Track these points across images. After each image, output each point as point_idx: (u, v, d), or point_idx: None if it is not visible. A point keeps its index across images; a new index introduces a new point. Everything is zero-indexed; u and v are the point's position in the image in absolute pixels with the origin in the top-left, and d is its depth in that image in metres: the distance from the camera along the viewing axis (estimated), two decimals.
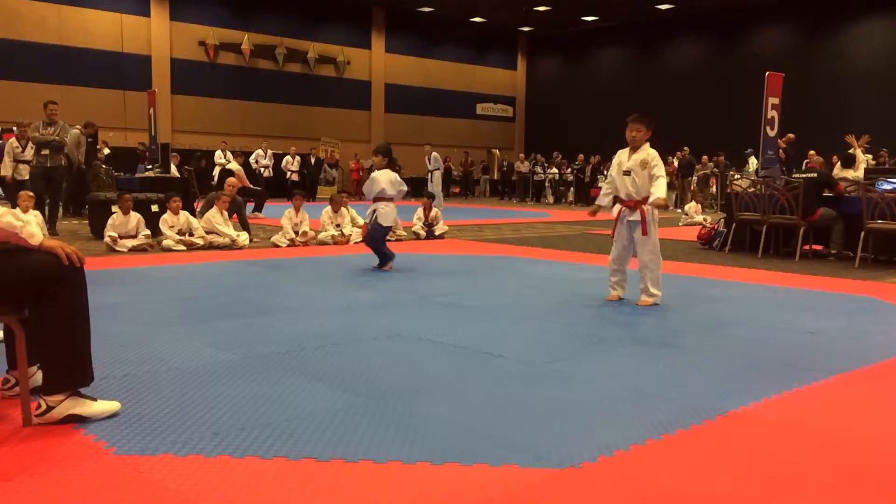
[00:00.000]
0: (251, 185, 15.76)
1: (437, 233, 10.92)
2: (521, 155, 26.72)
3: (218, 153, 19.37)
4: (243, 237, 9.44)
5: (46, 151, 10.28)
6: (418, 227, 10.89)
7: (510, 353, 4.00)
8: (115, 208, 9.29)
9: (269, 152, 20.83)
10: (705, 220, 13.20)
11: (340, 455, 2.51)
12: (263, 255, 8.67)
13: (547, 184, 24.56)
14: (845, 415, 3.10)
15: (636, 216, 5.51)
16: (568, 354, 4.03)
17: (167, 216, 9.23)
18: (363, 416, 2.93)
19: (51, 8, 20.84)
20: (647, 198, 5.46)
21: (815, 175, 9.00)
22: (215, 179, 17.83)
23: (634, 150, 5.54)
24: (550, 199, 24.21)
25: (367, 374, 3.55)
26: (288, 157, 21.17)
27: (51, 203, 10.56)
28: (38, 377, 2.93)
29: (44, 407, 2.76)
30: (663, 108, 25.54)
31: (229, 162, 18.20)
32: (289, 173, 20.98)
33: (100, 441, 2.62)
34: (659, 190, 5.37)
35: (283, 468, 2.41)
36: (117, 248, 8.71)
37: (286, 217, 9.83)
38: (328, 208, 10.32)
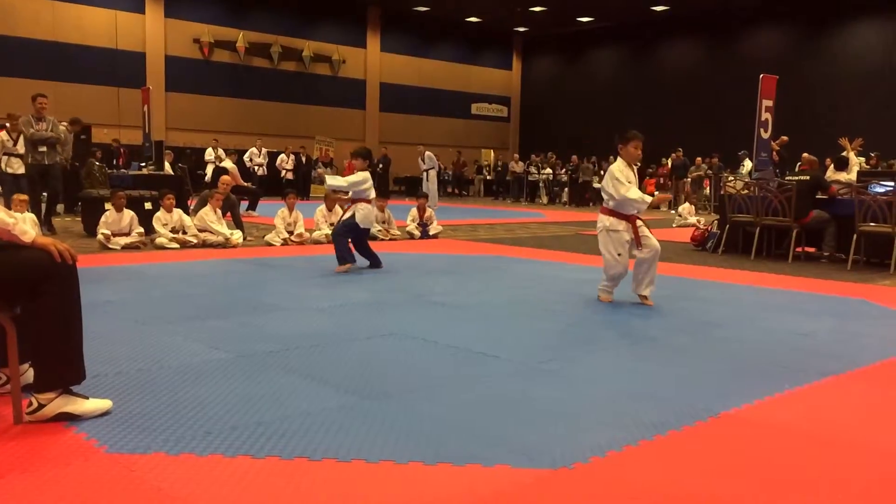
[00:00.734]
0: (245, 184, 15.73)
1: (431, 232, 10.92)
2: (516, 155, 26.73)
3: (209, 151, 19.34)
4: (237, 235, 9.42)
5: (44, 148, 10.05)
6: (412, 226, 10.89)
7: (504, 353, 4.00)
8: (108, 206, 9.26)
9: (264, 150, 20.79)
10: (699, 221, 13.23)
11: (333, 454, 2.51)
12: (257, 253, 8.66)
13: (541, 184, 24.58)
14: (837, 416, 3.11)
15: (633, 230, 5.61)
16: (561, 355, 4.03)
17: (161, 214, 9.20)
18: (356, 415, 2.92)
19: (45, 4, 20.76)
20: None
21: (808, 177, 9.03)
22: (208, 177, 17.81)
23: (634, 165, 5.66)
24: (544, 199, 24.23)
25: (361, 373, 3.54)
26: (283, 156, 21.13)
27: (48, 201, 10.38)
28: (29, 375, 2.91)
29: (35, 405, 2.75)
30: (658, 109, 25.65)
31: (221, 160, 18.17)
32: (283, 172, 20.93)
33: (91, 439, 2.61)
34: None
35: (275, 467, 2.40)
36: (110, 246, 8.68)
37: (279, 217, 9.81)
38: (322, 207, 10.31)
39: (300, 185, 20.39)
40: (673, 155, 20.93)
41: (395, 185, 25.94)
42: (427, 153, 19.04)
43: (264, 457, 2.48)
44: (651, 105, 25.94)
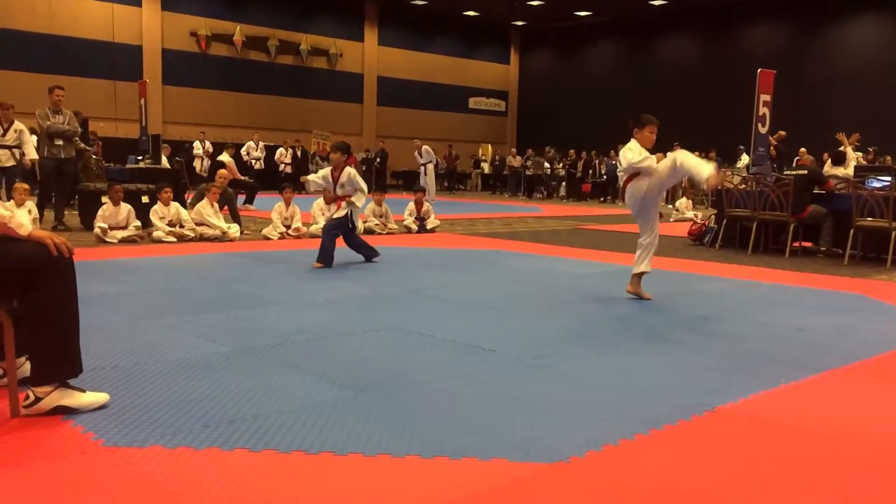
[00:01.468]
0: (242, 177, 15.70)
1: (428, 227, 10.92)
2: (513, 149, 26.69)
3: (196, 144, 19.30)
4: (234, 229, 9.41)
5: (60, 142, 9.74)
6: (410, 220, 10.88)
7: (501, 347, 4.01)
8: (105, 199, 9.24)
9: (261, 144, 20.76)
10: (696, 216, 13.25)
11: (330, 448, 2.52)
12: (254, 247, 8.65)
13: (540, 178, 24.52)
14: (833, 411, 3.12)
15: None
16: (558, 349, 4.04)
17: (158, 207, 9.18)
18: (353, 409, 2.93)
19: None
20: None
21: (806, 172, 9.04)
22: (199, 170, 17.78)
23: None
24: (542, 193, 24.20)
25: (358, 367, 3.54)
26: (281, 150, 21.10)
27: (58, 196, 10.04)
28: (26, 368, 2.91)
29: (32, 398, 2.75)
30: (655, 103, 25.53)
31: (208, 153, 18.16)
32: (282, 165, 20.91)
33: (88, 432, 2.61)
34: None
35: (272, 461, 2.41)
36: (107, 239, 8.67)
37: (276, 211, 9.80)
38: (319, 200, 10.29)
39: (298, 179, 20.34)
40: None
41: (392, 178, 25.93)
42: (424, 147, 19.02)
43: (261, 450, 2.49)
44: (648, 99, 25.83)
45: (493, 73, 31.69)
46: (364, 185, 7.35)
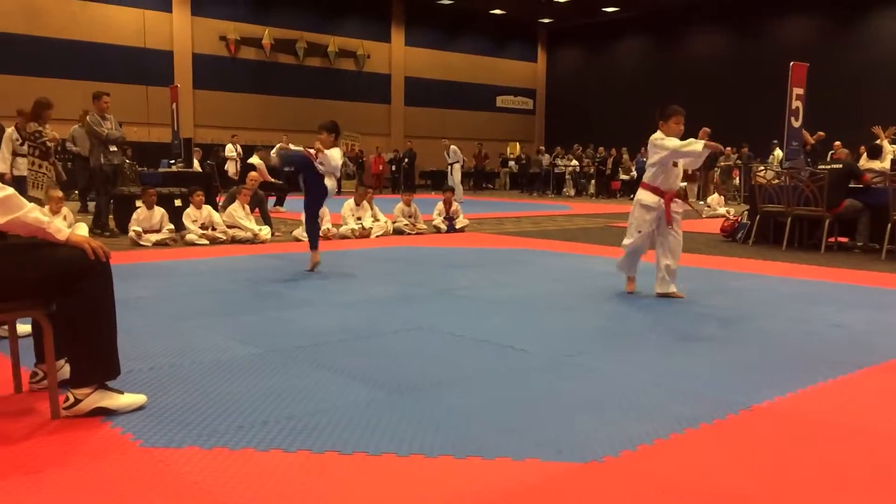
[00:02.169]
0: (273, 180, 15.81)
1: (457, 226, 10.92)
2: (542, 147, 26.60)
3: (228, 147, 19.50)
4: (265, 231, 9.50)
5: (114, 148, 9.81)
6: (439, 220, 10.90)
7: (532, 346, 3.99)
8: (139, 203, 9.38)
9: (291, 146, 20.89)
10: (728, 212, 13.09)
11: (363, 448, 2.53)
12: (285, 248, 8.72)
13: (567, 176, 24.44)
14: (872, 409, 3.06)
15: (679, 207, 5.53)
16: (590, 348, 4.01)
17: (190, 210, 9.30)
18: (385, 409, 2.94)
19: (74, 4, 21.05)
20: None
21: (841, 166, 8.88)
22: (231, 173, 17.96)
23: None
24: (571, 191, 24.10)
25: (389, 367, 3.56)
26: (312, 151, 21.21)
27: (104, 201, 10.03)
28: (65, 370, 2.97)
29: (71, 400, 2.80)
30: (685, 99, 25.19)
31: (239, 155, 18.34)
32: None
33: (126, 433, 2.65)
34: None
35: (306, 461, 2.42)
36: (141, 243, 8.80)
37: None
38: (350, 202, 10.36)
39: None
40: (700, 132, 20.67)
41: (420, 179, 25.97)
42: (452, 147, 19.02)
43: (296, 451, 2.51)
44: (678, 95, 25.46)
45: (521, 71, 31.59)
46: (337, 171, 7.01)
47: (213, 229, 9.32)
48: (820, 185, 8.63)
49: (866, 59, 22.39)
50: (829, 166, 9.04)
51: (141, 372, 3.41)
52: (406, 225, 10.55)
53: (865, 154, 11.13)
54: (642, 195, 5.54)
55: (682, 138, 5.41)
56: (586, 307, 5.23)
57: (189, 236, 9.05)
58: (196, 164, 14.63)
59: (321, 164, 6.84)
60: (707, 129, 5.56)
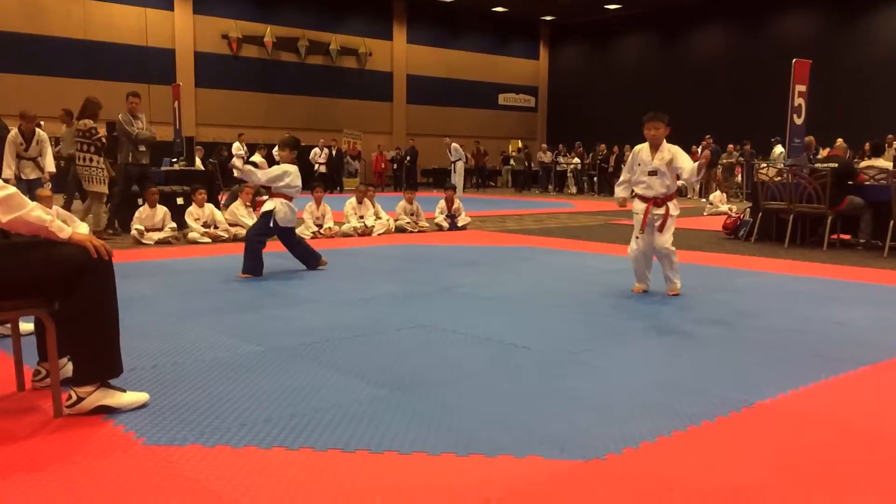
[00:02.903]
0: None
1: (459, 224, 10.92)
2: (544, 145, 26.57)
3: (236, 145, 19.51)
4: None
5: (143, 148, 9.80)
6: (441, 218, 10.90)
7: (534, 344, 3.99)
8: (141, 201, 9.38)
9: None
10: (731, 209, 13.07)
11: (366, 446, 2.53)
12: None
13: (569, 174, 24.42)
14: (875, 406, 3.06)
15: (661, 211, 5.52)
16: (592, 345, 4.01)
17: (192, 209, 9.31)
18: (388, 407, 2.94)
19: (76, 3, 21.06)
20: (673, 195, 5.53)
21: (836, 165, 8.86)
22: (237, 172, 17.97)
23: (655, 148, 5.49)
24: (573, 189, 24.08)
25: (392, 365, 3.56)
26: (316, 149, 21.27)
27: (116, 201, 9.94)
28: (68, 368, 2.97)
29: (74, 398, 2.81)
30: (687, 96, 25.34)
31: (245, 153, 18.32)
32: (317, 165, 21.07)
33: (129, 431, 2.66)
34: (688, 166, 5.44)
35: (309, 459, 2.43)
36: (144, 241, 8.81)
37: (307, 211, 9.87)
38: (352, 200, 10.36)
39: (333, 178, 20.51)
40: (703, 142, 20.68)
41: (422, 177, 25.97)
42: (454, 145, 19.02)
43: (298, 448, 2.51)
44: (681, 92, 25.63)
45: (523, 68, 31.56)
46: (269, 177, 6.57)
47: (216, 227, 9.32)
48: (822, 182, 8.61)
49: (870, 55, 22.34)
50: (824, 165, 8.99)
51: (143, 370, 3.41)
52: (408, 223, 10.55)
53: (869, 151, 11.11)
54: (633, 202, 5.67)
55: (678, 141, 5.57)
56: (589, 305, 5.23)
57: (191, 234, 9.05)
58: (198, 162, 14.65)
59: (272, 179, 6.55)
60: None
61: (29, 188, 9.17)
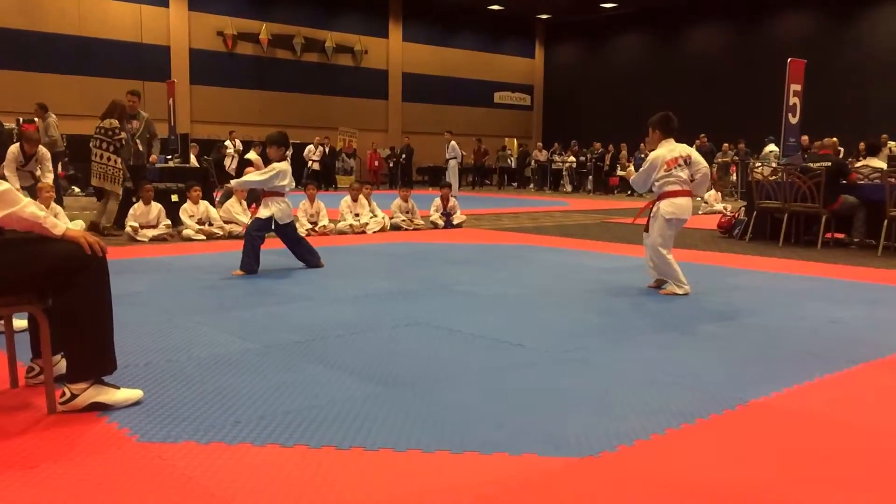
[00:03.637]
0: None
1: (455, 222, 10.92)
2: (539, 143, 26.56)
3: (227, 143, 19.49)
4: None
5: (141, 148, 10.04)
6: (436, 216, 10.89)
7: (529, 342, 4.00)
8: (135, 198, 9.35)
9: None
10: (725, 208, 13.10)
11: (360, 443, 2.53)
12: (282, 244, 8.69)
13: (565, 172, 24.44)
14: (868, 404, 3.07)
15: (654, 210, 5.66)
16: (587, 343, 4.02)
17: (187, 206, 9.29)
18: (382, 404, 2.94)
19: None
20: (663, 195, 5.62)
21: (830, 164, 8.87)
22: (228, 168, 17.95)
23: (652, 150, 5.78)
24: (568, 187, 24.10)
25: (387, 362, 3.56)
26: (310, 147, 21.25)
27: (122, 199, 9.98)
28: (61, 365, 2.97)
29: (68, 395, 2.80)
30: (683, 95, 25.36)
31: (236, 151, 18.31)
32: (310, 162, 21.05)
33: (123, 428, 2.65)
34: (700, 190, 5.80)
35: (303, 456, 2.42)
36: (138, 238, 8.79)
37: (301, 209, 9.85)
38: (347, 198, 10.35)
39: (326, 176, 20.49)
40: (697, 141, 20.70)
41: (417, 174, 25.95)
42: (452, 142, 18.98)
43: (293, 445, 2.51)
44: (675, 91, 25.65)
45: (519, 67, 31.56)
46: (269, 175, 6.49)
47: (210, 225, 9.30)
48: (816, 181, 8.63)
49: (865, 55, 22.40)
50: (818, 164, 9.00)
51: (137, 367, 3.41)
52: (403, 221, 10.54)
53: (865, 150, 11.13)
54: None
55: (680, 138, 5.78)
56: (583, 303, 5.24)
57: (186, 232, 9.03)
58: (193, 159, 14.58)
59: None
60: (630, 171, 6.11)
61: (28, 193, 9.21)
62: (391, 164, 24.60)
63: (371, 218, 10.22)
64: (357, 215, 10.19)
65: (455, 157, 19.15)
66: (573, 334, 4.25)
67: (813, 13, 23.96)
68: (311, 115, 25.07)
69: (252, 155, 16.56)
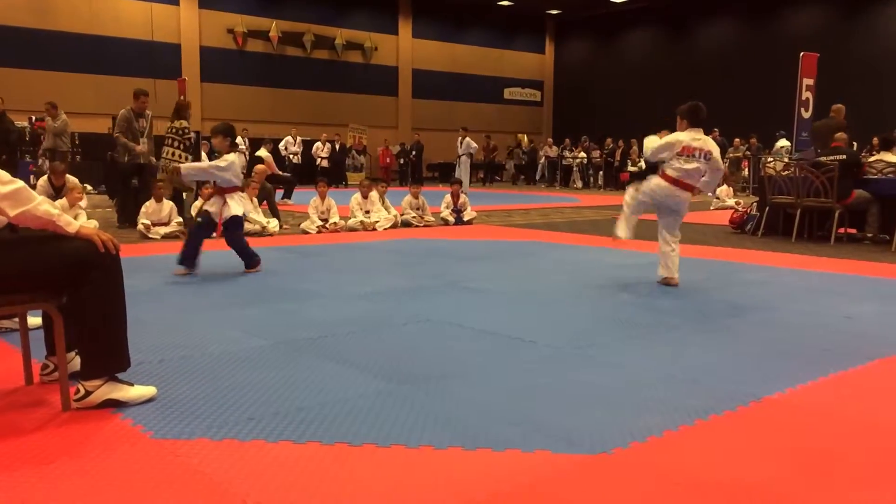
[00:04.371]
0: (280, 172, 15.86)
1: (465, 219, 10.91)
2: (550, 139, 26.50)
3: (238, 140, 19.54)
4: (273, 224, 9.51)
5: (142, 148, 10.02)
6: (446, 213, 10.89)
7: (541, 338, 3.99)
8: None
9: (298, 139, 20.93)
10: (737, 203, 13.03)
11: (373, 440, 2.53)
12: (293, 241, 8.73)
13: (575, 168, 24.36)
14: (882, 401, 3.05)
15: None
16: (599, 340, 4.01)
17: (199, 203, 9.30)
18: (394, 401, 2.94)
19: None
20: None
21: (844, 156, 8.80)
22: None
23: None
24: (579, 183, 24.03)
25: (398, 359, 3.56)
26: (318, 144, 21.27)
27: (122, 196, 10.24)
28: (76, 362, 2.98)
29: (82, 392, 2.81)
30: (694, 89, 25.08)
31: (247, 148, 18.38)
32: (319, 160, 21.07)
33: (137, 425, 2.66)
34: None
35: (316, 452, 2.43)
36: (150, 236, 8.82)
37: (312, 205, 9.87)
38: (357, 195, 10.36)
39: (336, 173, 20.52)
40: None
41: (428, 171, 25.95)
42: (467, 139, 18.90)
43: (305, 442, 2.51)
44: (686, 86, 25.45)
45: (529, 63, 31.48)
46: (223, 164, 6.19)
47: None
48: (829, 176, 8.57)
49: (879, 48, 22.19)
50: (832, 157, 8.93)
51: (151, 364, 3.42)
52: (414, 217, 10.55)
53: (879, 145, 11.05)
54: None
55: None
56: (595, 299, 5.22)
57: None
58: (204, 157, 14.61)
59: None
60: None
61: None
62: (402, 161, 24.60)
63: (382, 215, 10.21)
64: (367, 212, 10.19)
65: (468, 154, 19.10)
66: (585, 330, 4.24)
67: (825, 6, 23.76)
68: (321, 112, 25.10)
69: (263, 152, 16.64)
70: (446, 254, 7.66)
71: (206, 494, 2.13)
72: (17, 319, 3.35)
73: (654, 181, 5.68)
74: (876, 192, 8.55)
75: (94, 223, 7.82)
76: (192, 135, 9.77)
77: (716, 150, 5.62)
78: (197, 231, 6.26)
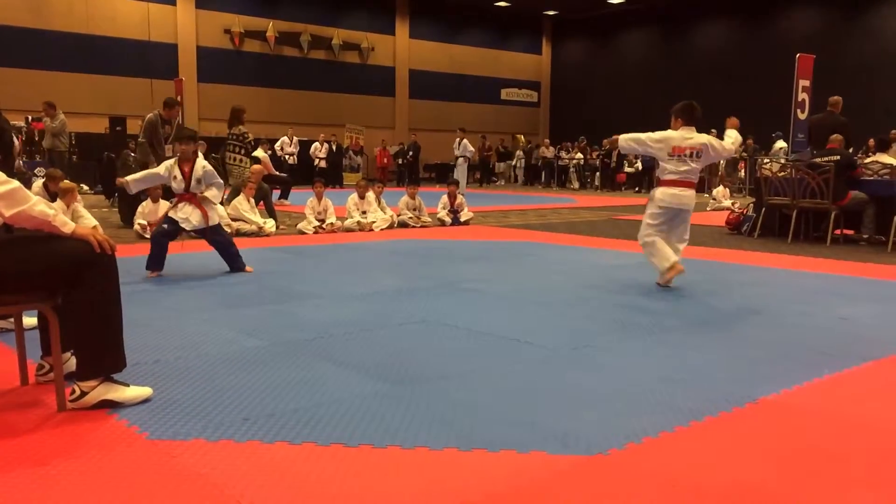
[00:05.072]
0: (277, 173, 15.84)
1: (462, 219, 10.91)
2: (546, 140, 26.51)
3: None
4: (270, 224, 9.50)
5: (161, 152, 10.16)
6: (443, 213, 10.89)
7: (537, 339, 3.99)
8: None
9: (295, 139, 20.91)
10: (734, 204, 13.05)
11: (368, 441, 2.53)
12: (290, 241, 8.72)
13: (572, 169, 24.37)
14: (878, 402, 3.05)
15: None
16: (595, 341, 4.01)
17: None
18: (390, 402, 2.94)
19: None
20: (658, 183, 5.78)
21: (839, 157, 8.82)
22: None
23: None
24: (575, 184, 24.04)
25: (394, 360, 3.56)
26: (316, 144, 21.25)
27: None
28: (71, 363, 2.98)
29: (78, 392, 2.81)
30: (690, 91, 25.13)
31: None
32: (317, 160, 21.05)
33: (133, 426, 2.66)
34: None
35: (311, 453, 2.43)
36: (146, 236, 8.80)
37: (309, 206, 9.87)
38: (354, 195, 10.35)
39: (333, 173, 20.49)
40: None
41: (424, 172, 25.94)
42: (465, 141, 18.90)
43: (301, 443, 2.51)
44: (683, 86, 25.43)
45: (526, 63, 31.51)
46: (220, 180, 6.36)
47: None
48: (825, 177, 8.59)
49: (875, 50, 22.25)
50: (827, 158, 8.93)
51: (147, 364, 3.42)
52: (411, 218, 10.54)
53: (875, 147, 11.08)
54: None
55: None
56: (591, 300, 5.22)
57: None
58: (201, 157, 14.63)
59: (198, 180, 6.18)
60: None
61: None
62: (400, 162, 24.58)
63: (378, 215, 10.21)
64: (364, 213, 10.19)
65: (464, 155, 19.09)
66: (582, 331, 4.24)
67: (822, 8, 23.81)
68: (318, 113, 25.08)
69: (260, 153, 16.61)
70: (443, 254, 7.65)
71: (201, 495, 2.13)
72: (12, 320, 3.34)
73: (657, 193, 5.62)
74: (872, 193, 8.57)
75: (93, 222, 7.80)
76: (252, 139, 10.14)
77: (711, 139, 5.64)
78: (162, 237, 6.16)
